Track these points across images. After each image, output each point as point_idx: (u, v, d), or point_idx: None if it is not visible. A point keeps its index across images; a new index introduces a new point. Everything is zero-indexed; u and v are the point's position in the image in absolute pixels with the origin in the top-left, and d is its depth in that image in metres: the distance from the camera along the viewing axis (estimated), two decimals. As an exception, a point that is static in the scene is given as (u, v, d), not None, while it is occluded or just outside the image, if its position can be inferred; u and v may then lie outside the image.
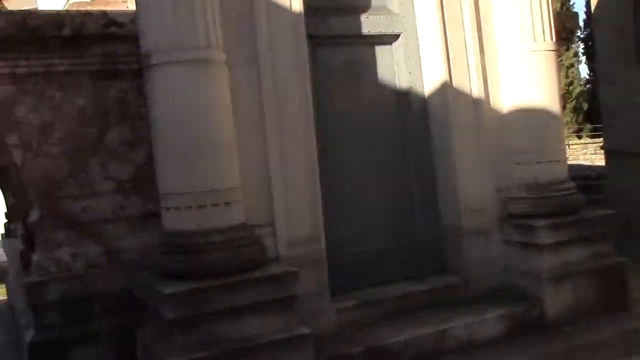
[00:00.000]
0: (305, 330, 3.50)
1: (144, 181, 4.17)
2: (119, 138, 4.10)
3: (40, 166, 3.90)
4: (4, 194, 5.60)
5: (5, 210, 6.01)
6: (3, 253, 7.10)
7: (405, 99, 4.52)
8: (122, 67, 4.02)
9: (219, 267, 3.40)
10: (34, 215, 3.92)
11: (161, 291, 3.28)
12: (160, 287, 3.34)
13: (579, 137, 23.89)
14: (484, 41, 4.51)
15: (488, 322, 4.14)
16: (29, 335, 3.91)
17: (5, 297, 6.54)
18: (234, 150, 3.60)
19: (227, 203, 3.51)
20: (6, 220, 5.98)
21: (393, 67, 4.50)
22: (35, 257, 3.94)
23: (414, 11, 4.50)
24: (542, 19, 4.42)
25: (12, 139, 3.82)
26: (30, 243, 4.14)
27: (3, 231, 6.08)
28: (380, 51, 4.46)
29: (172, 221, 3.53)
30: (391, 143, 4.50)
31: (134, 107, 4.11)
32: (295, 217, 3.93)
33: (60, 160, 3.95)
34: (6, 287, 6.67)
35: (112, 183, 4.12)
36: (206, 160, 3.44)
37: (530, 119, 4.46)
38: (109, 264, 4.10)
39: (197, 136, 3.42)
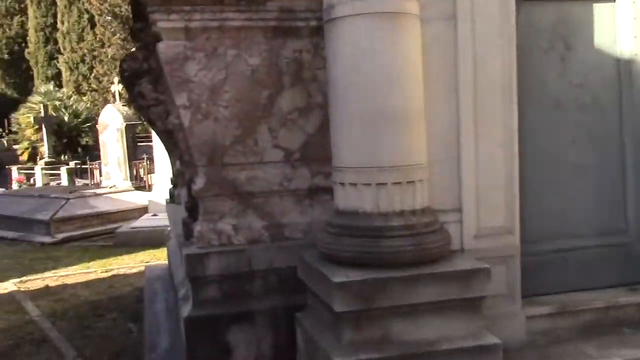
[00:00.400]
0: (494, 340, 2.94)
1: (313, 152, 3.79)
2: (290, 103, 3.72)
3: (208, 130, 3.62)
4: (170, 158, 5.51)
5: (170, 175, 5.98)
6: (167, 217, 7.13)
7: (626, 67, 3.72)
8: (299, 23, 3.62)
9: (396, 256, 2.92)
10: (198, 183, 3.66)
11: (330, 279, 2.85)
12: (329, 273, 2.92)
13: None
14: None
15: None
16: (186, 310, 3.68)
17: (167, 262, 6.54)
18: (422, 120, 3.07)
19: (410, 182, 3.00)
20: (171, 186, 5.92)
21: (613, 29, 3.71)
22: (197, 228, 3.69)
23: (647, -41, 3.67)
24: None
25: (181, 100, 3.56)
26: (193, 212, 3.91)
27: (168, 196, 6.04)
28: (599, 10, 3.68)
29: (346, 199, 3.09)
30: (604, 120, 3.73)
31: (308, 69, 3.71)
32: (487, 202, 3.33)
33: (228, 124, 3.64)
34: (167, 250, 6.69)
35: (280, 152, 3.76)
36: (391, 131, 2.95)
37: None
38: (271, 240, 3.77)
39: (383, 102, 2.93)
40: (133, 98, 4.02)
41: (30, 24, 30.76)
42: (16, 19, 32.77)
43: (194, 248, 3.69)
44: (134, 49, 4.13)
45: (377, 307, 2.84)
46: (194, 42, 3.54)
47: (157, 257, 8.46)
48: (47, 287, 7.18)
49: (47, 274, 7.91)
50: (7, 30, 32.89)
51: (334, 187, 3.19)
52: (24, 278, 7.68)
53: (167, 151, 5.29)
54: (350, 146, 3.04)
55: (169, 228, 6.30)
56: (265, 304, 3.71)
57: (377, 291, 2.82)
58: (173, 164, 5.45)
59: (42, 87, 26.36)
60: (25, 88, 30.88)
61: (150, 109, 3.95)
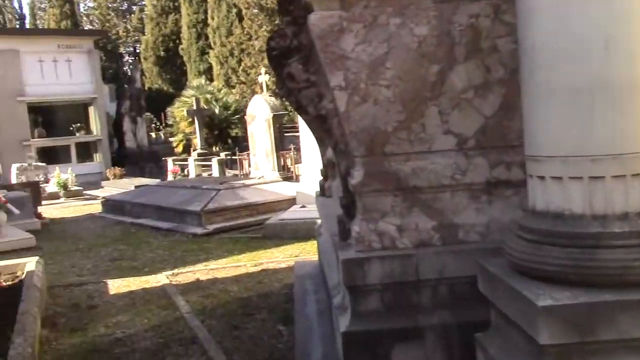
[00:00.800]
0: None
1: (492, 138, 3.16)
2: (465, 80, 3.10)
3: (367, 114, 3.10)
4: (319, 148, 5.07)
5: (319, 166, 5.56)
6: (316, 209, 6.76)
7: None
8: (476, -19, 3.00)
9: (620, 272, 2.22)
10: (356, 176, 3.15)
11: (532, 301, 2.21)
12: (527, 292, 2.28)
13: None
14: None
15: None
16: (344, 323, 3.19)
17: (317, 258, 6.15)
18: (652, 94, 2.33)
19: (636, 175, 2.28)
20: (320, 178, 5.49)
21: None
22: (355, 228, 3.19)
23: None
24: None
25: (336, 79, 3.06)
26: (349, 208, 3.41)
27: (317, 189, 5.62)
28: None
29: (546, 196, 2.42)
30: None
31: (487, 38, 3.07)
32: None
33: (391, 107, 3.10)
34: (318, 246, 6.31)
35: (452, 139, 3.16)
36: (610, 110, 2.24)
37: None
38: (442, 243, 3.19)
39: (599, 71, 2.23)
40: (281, 81, 3.59)
41: (183, 21, 32.19)
42: (170, 17, 34.46)
43: (351, 252, 3.20)
44: (282, 27, 3.69)
45: (597, 340, 2.16)
46: (350, 11, 3.02)
47: (307, 251, 8.14)
48: (197, 280, 7.07)
49: (198, 266, 7.83)
50: (162, 28, 34.68)
51: (529, 181, 2.54)
52: (175, 270, 7.65)
53: (317, 140, 4.85)
54: (552, 130, 2.37)
55: (319, 221, 5.91)
56: (435, 318, 3.15)
57: (597, 319, 2.15)
58: (323, 154, 5.02)
59: (195, 81, 27.41)
60: (179, 83, 32.41)
61: (301, 92, 3.50)
